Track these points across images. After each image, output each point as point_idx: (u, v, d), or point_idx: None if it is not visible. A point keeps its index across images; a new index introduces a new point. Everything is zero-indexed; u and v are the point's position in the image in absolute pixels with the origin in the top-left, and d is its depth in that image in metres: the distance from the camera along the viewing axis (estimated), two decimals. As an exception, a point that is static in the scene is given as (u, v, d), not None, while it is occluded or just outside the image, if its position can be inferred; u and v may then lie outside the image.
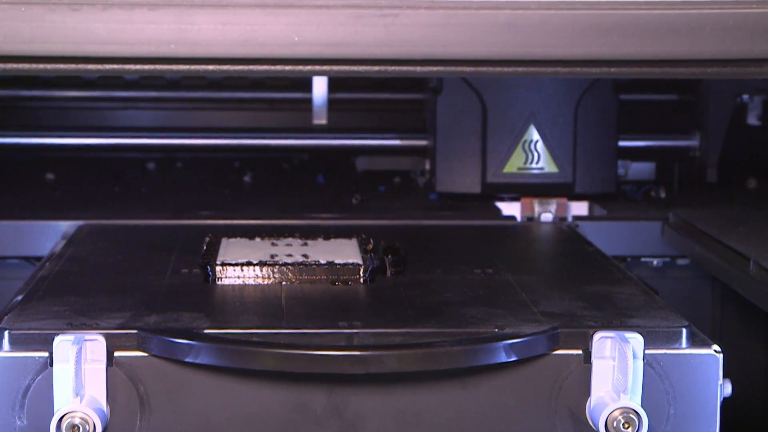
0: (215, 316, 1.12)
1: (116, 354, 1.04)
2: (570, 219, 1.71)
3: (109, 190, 1.88)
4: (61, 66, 0.90)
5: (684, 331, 1.08)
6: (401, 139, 1.92)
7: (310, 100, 1.87)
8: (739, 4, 0.88)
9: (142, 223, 1.58)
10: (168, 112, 2.11)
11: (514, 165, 1.75)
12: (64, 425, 1.00)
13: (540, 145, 1.74)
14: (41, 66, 0.90)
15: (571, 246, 1.50)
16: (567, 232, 1.58)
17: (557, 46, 0.90)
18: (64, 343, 1.01)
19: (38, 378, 1.03)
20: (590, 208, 1.76)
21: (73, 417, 1.00)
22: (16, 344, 1.04)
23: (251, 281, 1.24)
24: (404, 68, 0.92)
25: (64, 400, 1.00)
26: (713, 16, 0.88)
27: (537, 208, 1.72)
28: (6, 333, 1.04)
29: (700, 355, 1.07)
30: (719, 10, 0.88)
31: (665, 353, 1.07)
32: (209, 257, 1.28)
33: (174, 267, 1.30)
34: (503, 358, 1.05)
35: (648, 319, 1.11)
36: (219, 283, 1.23)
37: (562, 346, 1.07)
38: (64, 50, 0.88)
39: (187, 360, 1.03)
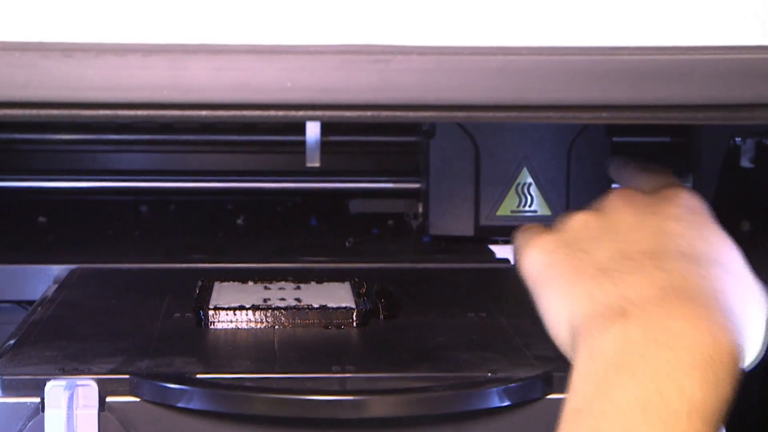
0: (208, 361, 1.12)
1: (108, 399, 1.03)
2: (563, 262, 1.71)
3: (102, 234, 1.87)
4: (55, 112, 0.89)
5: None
6: (394, 182, 1.92)
7: (303, 143, 1.87)
8: (730, 50, 0.88)
9: (134, 266, 1.57)
10: (161, 155, 2.10)
11: (507, 208, 1.75)
12: (55, 471, 1.00)
13: (533, 188, 1.74)
14: (35, 112, 0.89)
15: (564, 289, 1.50)
16: (560, 275, 1.58)
17: (549, 91, 0.90)
18: (55, 389, 1.01)
19: (30, 423, 1.03)
20: (583, 251, 1.76)
21: (64, 463, 1.00)
22: (7, 390, 1.04)
23: (244, 325, 1.23)
24: (397, 113, 0.91)
25: (56, 446, 1.00)
26: (703, 62, 0.88)
27: (530, 251, 1.72)
28: (-2, 378, 1.04)
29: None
30: (710, 56, 0.88)
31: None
32: (202, 301, 1.27)
33: (166, 311, 1.30)
34: (497, 402, 1.04)
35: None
36: (212, 327, 1.23)
37: (556, 390, 1.06)
38: (58, 96, 0.88)
39: (179, 405, 1.03)
